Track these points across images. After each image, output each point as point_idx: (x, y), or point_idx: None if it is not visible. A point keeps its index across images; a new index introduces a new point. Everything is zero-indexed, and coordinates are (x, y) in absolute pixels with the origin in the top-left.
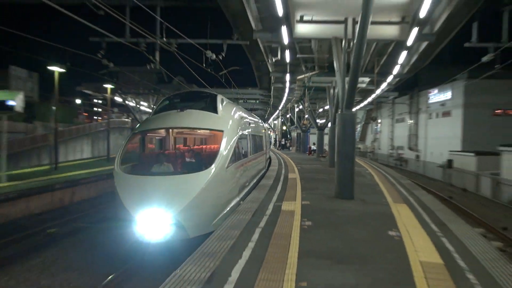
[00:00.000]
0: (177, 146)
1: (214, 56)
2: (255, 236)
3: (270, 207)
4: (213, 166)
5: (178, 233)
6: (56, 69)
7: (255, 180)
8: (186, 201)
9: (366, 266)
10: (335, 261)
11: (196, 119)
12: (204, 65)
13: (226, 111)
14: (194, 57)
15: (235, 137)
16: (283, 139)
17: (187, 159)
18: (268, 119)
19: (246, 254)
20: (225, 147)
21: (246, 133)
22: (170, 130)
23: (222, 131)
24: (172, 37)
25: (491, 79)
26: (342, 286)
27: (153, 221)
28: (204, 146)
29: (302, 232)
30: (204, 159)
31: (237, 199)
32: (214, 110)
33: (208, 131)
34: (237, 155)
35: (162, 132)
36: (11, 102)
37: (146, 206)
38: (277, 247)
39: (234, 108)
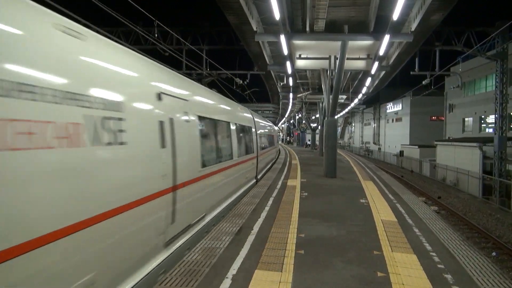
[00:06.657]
0: None
1: (241, 82)
2: (269, 202)
3: (279, 183)
4: None
5: None
6: None
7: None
8: None
9: (344, 222)
10: (323, 220)
11: None
12: (234, 87)
13: None
14: (228, 82)
15: None
16: (288, 137)
17: None
18: (278, 123)
19: (263, 214)
20: None
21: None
22: None
23: None
24: (213, 69)
25: (428, 96)
26: (327, 236)
27: None
28: None
29: (301, 200)
30: None
31: None
32: None
33: None
34: None
35: None
36: None
37: None
38: (284, 210)
39: None
